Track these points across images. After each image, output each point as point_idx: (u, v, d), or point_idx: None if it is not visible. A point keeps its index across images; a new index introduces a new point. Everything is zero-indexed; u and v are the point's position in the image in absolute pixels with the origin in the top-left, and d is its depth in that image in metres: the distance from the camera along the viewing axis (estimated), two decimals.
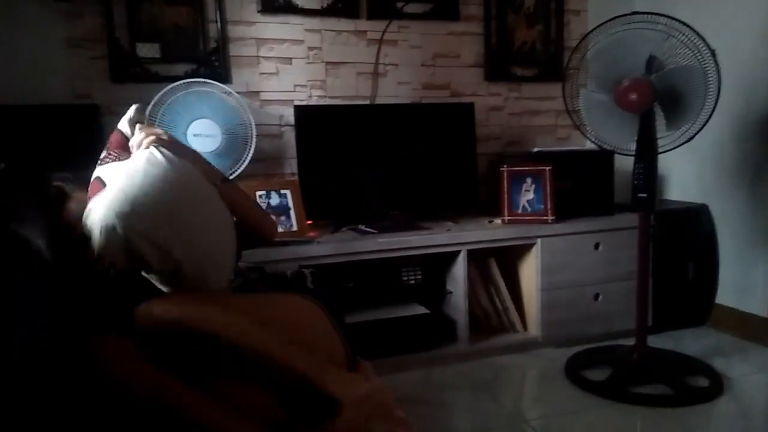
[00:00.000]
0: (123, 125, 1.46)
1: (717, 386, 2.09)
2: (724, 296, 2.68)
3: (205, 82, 2.26)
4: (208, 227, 1.28)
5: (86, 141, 2.18)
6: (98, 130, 2.26)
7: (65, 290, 1.18)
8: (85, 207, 1.34)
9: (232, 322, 1.09)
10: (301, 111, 2.51)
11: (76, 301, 1.18)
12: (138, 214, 1.12)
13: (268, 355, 1.06)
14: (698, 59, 1.99)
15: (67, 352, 1.06)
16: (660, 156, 2.12)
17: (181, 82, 2.25)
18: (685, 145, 2.08)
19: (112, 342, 1.12)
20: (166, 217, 1.15)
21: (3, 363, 0.90)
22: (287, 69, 2.64)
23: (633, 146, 2.14)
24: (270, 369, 1.07)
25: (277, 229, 1.59)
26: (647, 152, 2.11)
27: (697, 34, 1.97)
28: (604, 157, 2.60)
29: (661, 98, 2.05)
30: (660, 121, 2.10)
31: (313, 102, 2.67)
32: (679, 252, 2.66)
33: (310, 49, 2.66)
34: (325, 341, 1.21)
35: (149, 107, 2.19)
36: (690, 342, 2.52)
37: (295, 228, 2.31)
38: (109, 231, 1.12)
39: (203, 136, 2.23)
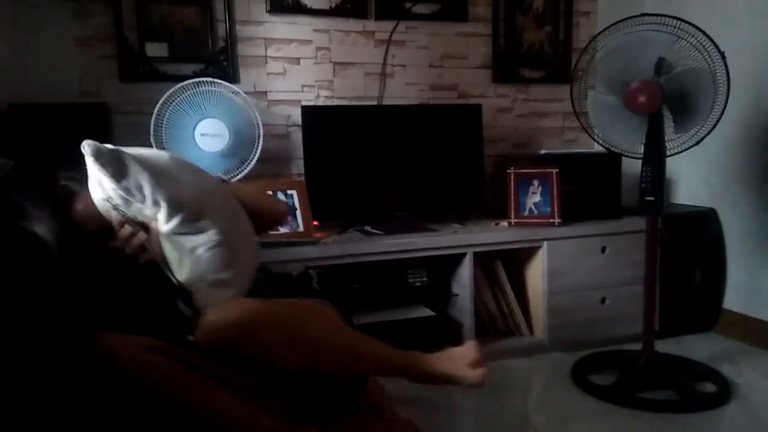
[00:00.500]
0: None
1: (725, 392, 2.07)
2: (732, 301, 2.66)
3: (213, 82, 2.27)
4: (248, 238, 1.37)
5: (95, 139, 2.18)
6: (107, 128, 2.27)
7: (73, 286, 1.18)
8: (90, 205, 1.34)
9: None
10: (308, 111, 2.51)
11: (84, 297, 1.19)
12: None
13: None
14: (708, 61, 1.97)
15: (75, 347, 1.06)
16: (668, 159, 2.11)
17: (189, 81, 2.25)
18: (694, 148, 2.07)
19: (120, 337, 1.13)
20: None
21: (11, 358, 0.90)
22: (295, 69, 2.64)
23: (641, 149, 2.13)
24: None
25: (287, 207, 1.64)
26: (655, 155, 2.09)
27: (707, 36, 1.96)
28: (611, 160, 2.59)
29: (670, 100, 2.03)
30: (668, 124, 2.09)
31: (321, 102, 2.67)
32: (686, 256, 2.65)
33: (318, 49, 2.66)
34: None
35: (157, 106, 2.20)
36: (697, 347, 2.50)
37: (301, 229, 2.31)
38: None
39: (210, 135, 2.23)
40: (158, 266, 1.34)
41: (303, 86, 2.65)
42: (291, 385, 1.26)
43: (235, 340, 1.15)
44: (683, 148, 2.09)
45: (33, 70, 2.30)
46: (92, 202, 1.35)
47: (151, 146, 2.18)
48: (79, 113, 2.21)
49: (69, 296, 1.12)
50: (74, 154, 2.11)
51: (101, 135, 2.20)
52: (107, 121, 2.28)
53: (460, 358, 1.50)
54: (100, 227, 1.34)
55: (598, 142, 2.29)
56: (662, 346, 2.27)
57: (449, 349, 1.53)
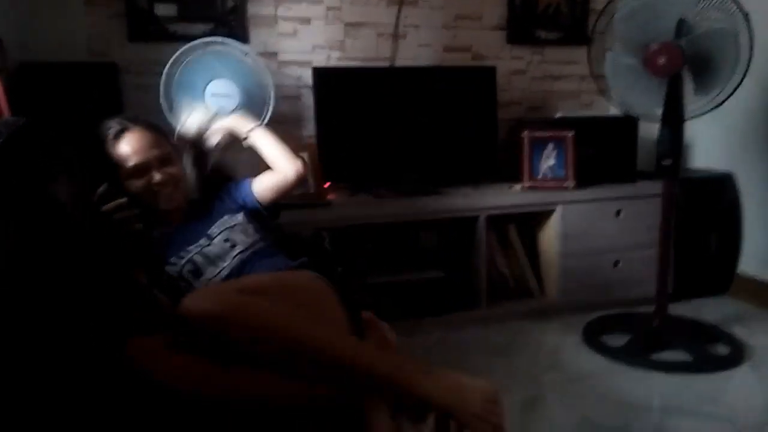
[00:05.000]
0: None
1: (737, 354, 2.07)
2: (747, 265, 2.64)
3: (223, 42, 2.23)
4: None
5: (104, 99, 2.18)
6: (116, 88, 2.25)
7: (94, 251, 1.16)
8: (145, 139, 1.45)
9: (293, 320, 1.06)
10: (319, 73, 2.48)
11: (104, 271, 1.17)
12: None
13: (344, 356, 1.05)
14: (730, 22, 1.92)
15: (102, 343, 1.03)
16: (686, 122, 2.07)
17: (198, 41, 2.22)
18: (712, 111, 2.03)
19: (138, 342, 1.08)
20: None
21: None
22: (305, 29, 2.59)
23: (659, 112, 2.09)
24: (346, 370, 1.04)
25: (302, 171, 1.61)
26: (674, 118, 2.05)
27: None
28: (628, 123, 2.55)
29: (691, 63, 1.99)
30: (688, 87, 2.05)
31: (332, 63, 2.63)
32: (702, 220, 2.62)
33: (329, 9, 2.61)
34: (333, 315, 1.23)
35: (167, 66, 2.17)
36: (711, 310, 2.50)
37: (312, 190, 2.30)
38: None
39: (221, 95, 2.20)
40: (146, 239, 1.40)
41: (314, 47, 2.61)
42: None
43: (210, 330, 1.04)
44: (702, 111, 2.05)
45: (43, 29, 2.27)
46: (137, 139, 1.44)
47: (161, 108, 2.17)
48: (89, 73, 2.21)
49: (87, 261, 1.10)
50: (85, 113, 2.10)
51: (110, 95, 2.22)
52: (116, 81, 2.26)
53: (469, 394, 1.06)
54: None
55: (615, 105, 2.25)
56: (675, 309, 2.26)
57: (458, 373, 1.10)
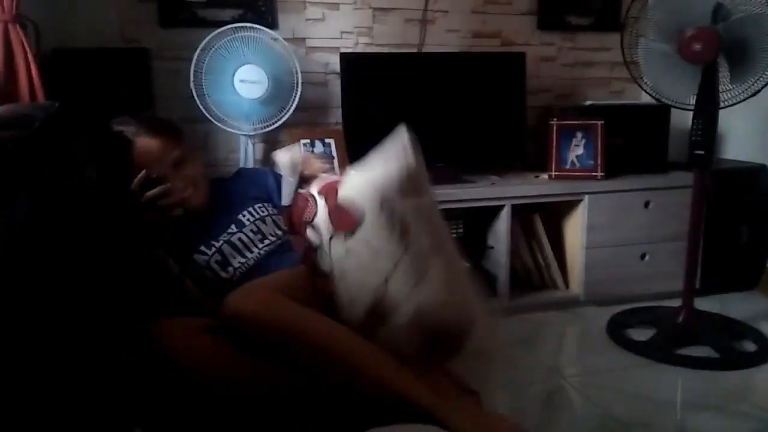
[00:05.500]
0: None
1: (765, 351, 2.04)
2: None
3: (252, 27, 2.24)
4: None
5: (136, 84, 2.21)
6: (148, 74, 2.28)
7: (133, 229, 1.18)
8: (152, 150, 1.36)
9: (336, 337, 1.06)
10: (347, 59, 2.47)
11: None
12: None
13: (381, 381, 1.05)
14: None
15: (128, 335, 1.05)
16: (720, 111, 2.02)
17: (228, 27, 2.23)
18: (748, 100, 1.97)
19: (168, 322, 1.10)
20: None
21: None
22: (334, 15, 2.58)
23: (692, 100, 2.04)
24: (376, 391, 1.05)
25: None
26: (708, 107, 2.01)
27: None
28: (660, 112, 2.50)
29: (727, 49, 1.93)
30: (723, 74, 1.99)
31: (360, 49, 2.62)
32: (732, 213, 2.56)
33: None
34: None
35: (197, 52, 2.19)
36: (738, 306, 2.45)
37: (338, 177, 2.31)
38: None
39: (249, 82, 2.21)
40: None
41: (342, 33, 2.60)
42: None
43: (252, 329, 1.06)
44: (738, 99, 1.99)
45: (76, 15, 2.30)
46: (144, 151, 1.37)
47: (190, 92, 2.19)
48: (121, 58, 2.24)
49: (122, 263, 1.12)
50: (116, 98, 2.14)
51: (142, 80, 2.26)
52: (147, 66, 2.29)
53: None
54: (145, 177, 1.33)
55: (647, 93, 2.20)
56: (702, 304, 2.23)
57: (492, 412, 1.15)
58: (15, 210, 0.85)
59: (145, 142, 1.40)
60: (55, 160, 1.06)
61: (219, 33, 2.21)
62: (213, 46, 2.21)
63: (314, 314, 1.10)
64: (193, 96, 2.20)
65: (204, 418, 1.06)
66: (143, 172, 1.32)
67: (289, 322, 1.06)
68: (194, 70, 2.20)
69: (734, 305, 2.46)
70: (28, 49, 1.74)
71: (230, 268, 1.40)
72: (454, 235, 2.46)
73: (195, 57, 2.20)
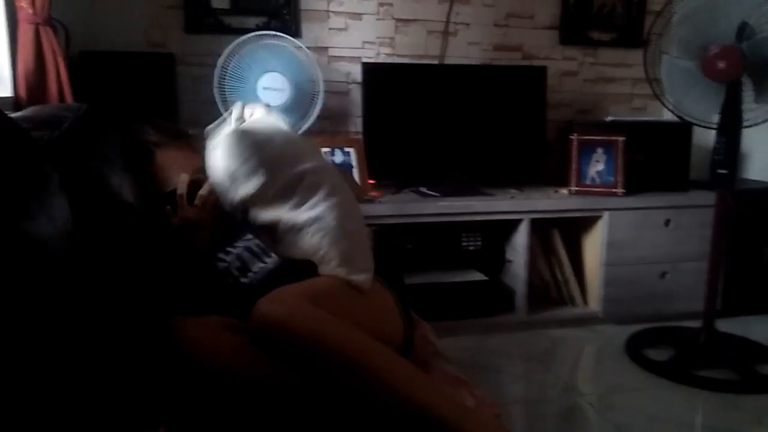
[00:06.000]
0: None
1: None
2: None
3: (276, 35, 2.26)
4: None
5: (161, 89, 2.23)
6: (173, 79, 2.31)
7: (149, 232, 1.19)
8: (174, 164, 1.35)
9: (365, 349, 1.04)
10: (368, 69, 2.48)
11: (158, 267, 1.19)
12: None
13: (410, 399, 1.01)
14: None
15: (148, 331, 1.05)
16: (743, 131, 2.00)
17: (252, 34, 2.25)
18: None
19: (192, 319, 1.10)
20: None
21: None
22: (356, 25, 2.60)
23: (716, 119, 2.02)
24: (399, 406, 1.02)
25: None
26: (731, 126, 1.99)
27: None
28: (682, 130, 2.47)
29: (751, 68, 1.91)
30: (747, 93, 1.97)
31: (381, 59, 2.64)
32: (755, 234, 2.53)
33: (381, 4, 2.61)
34: (392, 329, 1.22)
35: (222, 58, 2.21)
36: (760, 328, 2.40)
37: (356, 187, 2.31)
38: None
39: (272, 89, 2.23)
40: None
41: (364, 42, 2.62)
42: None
43: (279, 339, 1.03)
44: (762, 119, 1.97)
45: (104, 19, 2.34)
46: (165, 165, 1.35)
47: (213, 99, 2.21)
48: (147, 62, 2.26)
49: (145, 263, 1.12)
50: (141, 102, 2.15)
51: (166, 85, 2.28)
52: (172, 71, 2.32)
53: None
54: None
55: (670, 110, 2.18)
56: (723, 326, 2.19)
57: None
58: (56, 210, 0.86)
59: (171, 150, 1.38)
60: (87, 160, 1.07)
61: (243, 40, 2.23)
62: (237, 53, 2.23)
63: (345, 326, 1.09)
64: (216, 102, 2.21)
65: (228, 417, 1.06)
66: (183, 175, 1.32)
67: (318, 332, 1.05)
68: (218, 77, 2.22)
69: (756, 328, 2.41)
70: (57, 51, 1.77)
71: (250, 274, 1.40)
72: (472, 248, 2.45)
73: (220, 63, 2.22)
